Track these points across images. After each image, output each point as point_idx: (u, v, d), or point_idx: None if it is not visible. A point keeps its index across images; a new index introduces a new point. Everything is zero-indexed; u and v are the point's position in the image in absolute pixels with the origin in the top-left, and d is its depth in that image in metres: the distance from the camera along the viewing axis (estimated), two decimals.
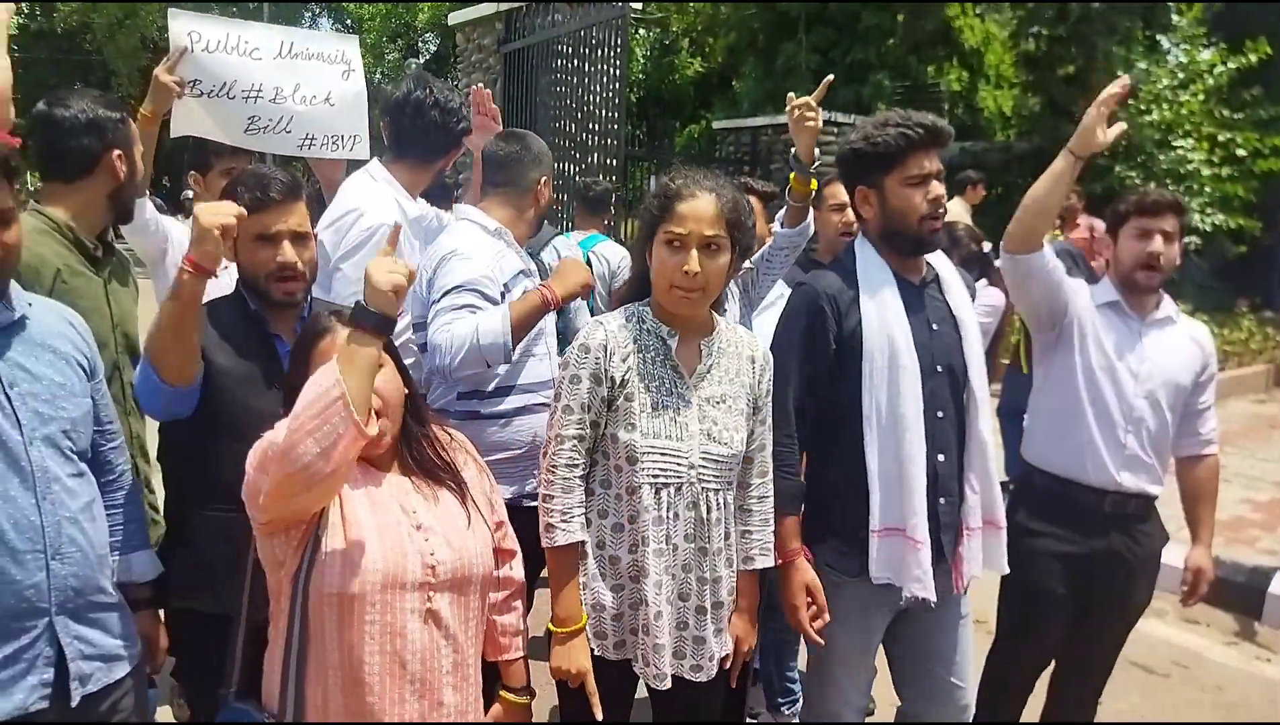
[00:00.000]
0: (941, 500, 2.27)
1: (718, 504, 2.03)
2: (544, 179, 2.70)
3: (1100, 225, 7.39)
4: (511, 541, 2.01)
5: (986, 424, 2.34)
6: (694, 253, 1.94)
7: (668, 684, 1.98)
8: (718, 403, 2.03)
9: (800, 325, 2.28)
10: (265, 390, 2.02)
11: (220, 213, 1.81)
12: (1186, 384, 2.67)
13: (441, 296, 2.41)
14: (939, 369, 2.28)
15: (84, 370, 1.85)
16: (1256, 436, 7.66)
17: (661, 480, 1.96)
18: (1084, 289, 2.71)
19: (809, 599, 2.23)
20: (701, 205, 1.95)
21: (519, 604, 2.02)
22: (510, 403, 2.52)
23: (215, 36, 2.91)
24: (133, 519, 2.00)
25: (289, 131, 3.07)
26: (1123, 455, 2.60)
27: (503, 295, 2.48)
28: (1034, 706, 2.85)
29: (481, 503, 1.90)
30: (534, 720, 2.06)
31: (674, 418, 1.98)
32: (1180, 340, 2.69)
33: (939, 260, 2.42)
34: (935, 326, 2.31)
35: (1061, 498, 2.63)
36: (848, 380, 2.24)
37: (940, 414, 2.27)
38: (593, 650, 2.00)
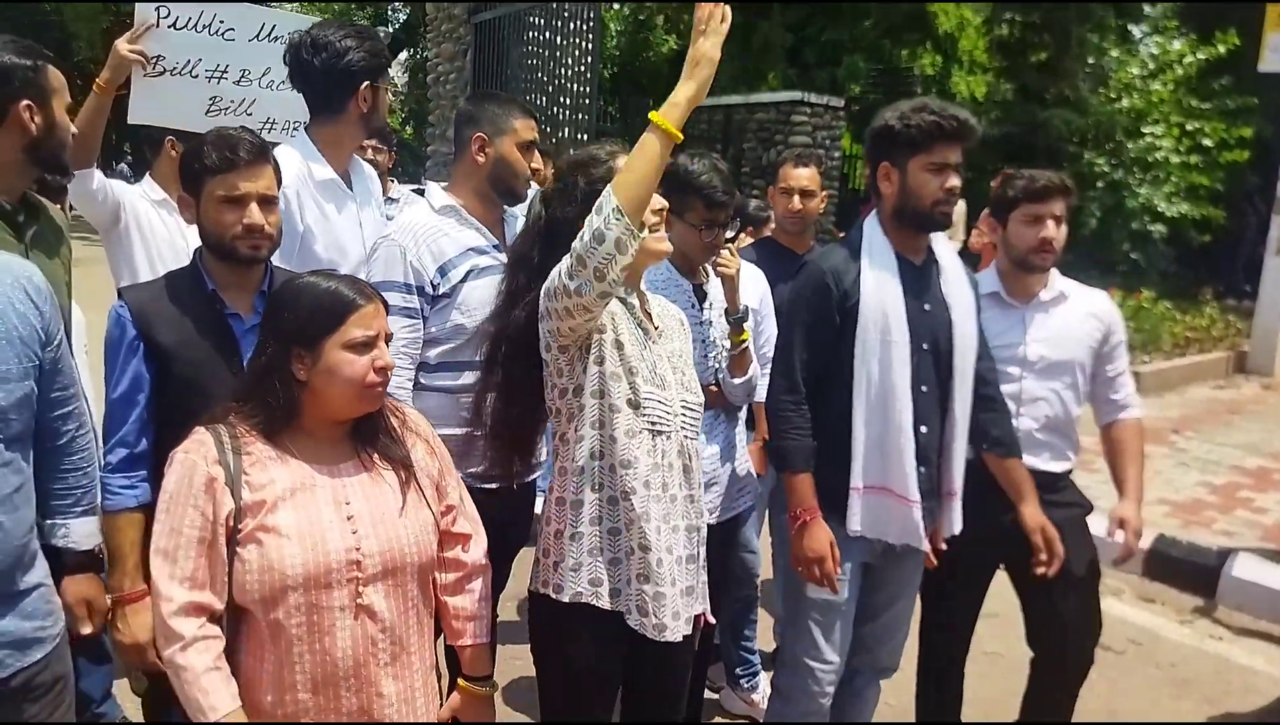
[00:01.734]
0: (921, 468, 2.40)
1: (694, 452, 2.07)
2: (476, 136, 2.50)
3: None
4: (464, 524, 1.95)
5: (965, 401, 2.47)
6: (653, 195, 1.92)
7: (667, 635, 1.93)
8: (679, 356, 2.10)
9: (806, 299, 2.44)
10: (221, 374, 1.98)
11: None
12: (1083, 358, 2.73)
13: None
14: (924, 347, 2.41)
15: (34, 345, 1.75)
16: (1215, 421, 7.79)
17: (658, 427, 1.97)
18: None
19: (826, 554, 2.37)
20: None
21: (476, 586, 1.95)
22: (461, 378, 2.45)
23: (186, 14, 2.86)
24: (78, 485, 1.92)
25: (249, 114, 3.04)
26: (1022, 436, 2.66)
27: (435, 283, 2.40)
28: (1014, 704, 2.89)
29: (427, 486, 1.85)
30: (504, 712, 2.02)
31: (654, 369, 2.00)
32: (1073, 316, 2.75)
33: (940, 244, 2.52)
34: (927, 307, 2.43)
35: (971, 475, 2.61)
36: (842, 350, 2.38)
37: (924, 388, 2.41)
38: (582, 596, 1.94)
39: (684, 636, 2.00)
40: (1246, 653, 4.10)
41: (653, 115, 1.80)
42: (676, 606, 1.95)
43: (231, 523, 1.64)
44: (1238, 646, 4.16)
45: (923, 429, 2.40)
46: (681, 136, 1.81)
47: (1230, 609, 4.48)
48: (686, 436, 2.04)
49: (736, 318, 2.67)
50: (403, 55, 23.74)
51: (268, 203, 2.05)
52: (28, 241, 2.12)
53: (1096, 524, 2.84)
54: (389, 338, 1.78)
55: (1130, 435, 2.80)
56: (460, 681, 1.96)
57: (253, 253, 2.04)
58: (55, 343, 1.82)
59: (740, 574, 3.32)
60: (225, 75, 2.92)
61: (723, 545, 2.79)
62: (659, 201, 1.99)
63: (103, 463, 2.02)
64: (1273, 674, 3.90)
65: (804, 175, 3.48)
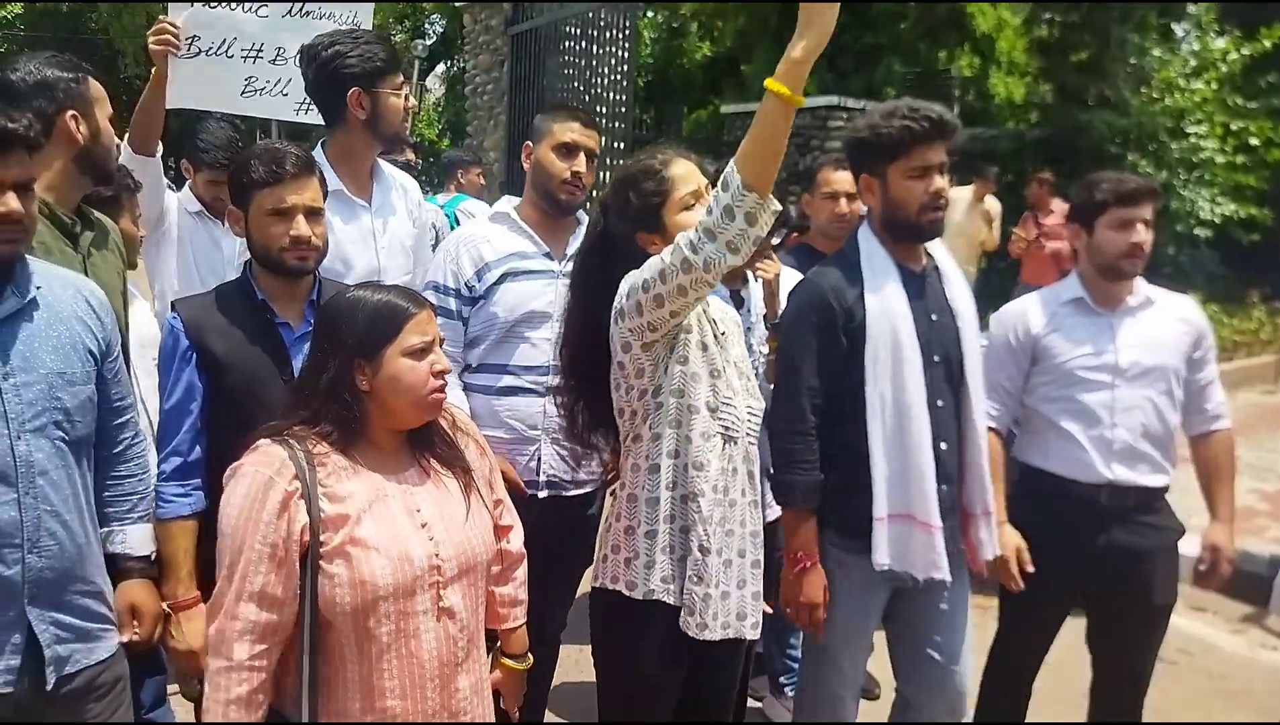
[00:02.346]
0: (943, 487, 2.30)
1: (756, 457, 2.08)
2: (525, 144, 2.59)
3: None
4: (509, 516, 2.02)
5: (982, 414, 2.39)
6: (708, 195, 1.95)
7: (710, 634, 1.96)
8: (742, 360, 2.11)
9: (810, 323, 2.31)
10: (274, 383, 2.02)
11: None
12: (1178, 365, 2.63)
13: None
14: (936, 359, 2.31)
15: (95, 353, 1.83)
16: (1265, 427, 7.62)
17: (730, 432, 1.98)
18: (1032, 306, 2.69)
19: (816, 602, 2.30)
20: (683, 162, 2.04)
21: (519, 574, 2.04)
22: (501, 381, 2.51)
23: None
24: (134, 492, 1.98)
25: (285, 95, 3.00)
26: (1112, 449, 2.57)
27: (470, 286, 2.51)
28: (1036, 707, 2.85)
29: (482, 485, 1.90)
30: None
31: (722, 373, 2.01)
32: (1163, 321, 2.64)
33: (938, 251, 2.44)
34: (934, 317, 2.34)
35: (1057, 495, 2.60)
36: (851, 372, 2.28)
37: (940, 403, 2.31)
38: (654, 593, 1.97)
39: (746, 638, 2.05)
40: None
41: (768, 82, 1.74)
42: (715, 608, 1.97)
43: (308, 538, 1.64)
44: None
45: (942, 446, 2.31)
46: (803, 100, 1.74)
47: None
48: (750, 442, 2.06)
49: (775, 323, 2.66)
50: (440, 67, 23.98)
51: (314, 215, 2.10)
52: (85, 251, 2.18)
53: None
54: (441, 342, 1.81)
55: (1223, 449, 2.71)
56: (503, 660, 2.04)
57: (300, 265, 2.09)
58: (114, 355, 1.90)
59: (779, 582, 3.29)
60: (261, 54, 2.90)
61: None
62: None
63: (157, 471, 2.06)
64: None
65: (846, 178, 3.47)
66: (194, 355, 2.04)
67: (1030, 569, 2.53)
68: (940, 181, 2.28)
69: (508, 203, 2.65)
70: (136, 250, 2.74)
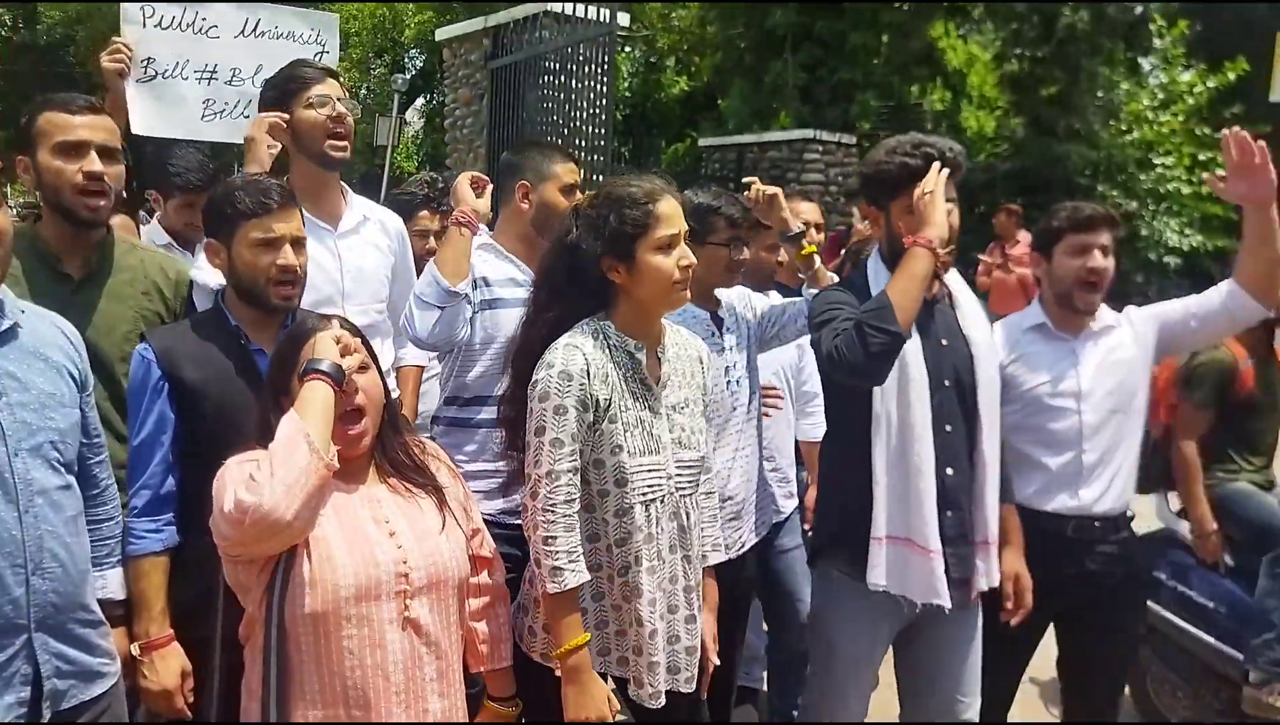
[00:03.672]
0: (948, 513, 2.29)
1: (693, 508, 2.05)
2: (520, 185, 2.56)
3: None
4: (488, 549, 2.00)
5: (994, 442, 2.36)
6: (683, 244, 1.98)
7: (661, 701, 1.95)
8: (681, 408, 2.06)
9: (845, 291, 2.37)
10: (249, 409, 1.99)
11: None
12: (1140, 379, 2.63)
13: None
14: (946, 383, 2.32)
15: (75, 381, 1.82)
16: None
17: (649, 496, 1.95)
18: (996, 335, 2.64)
19: None
20: (671, 201, 2.00)
21: (501, 611, 2.00)
22: (485, 412, 2.47)
23: (170, 12, 2.80)
24: (111, 535, 1.96)
25: (247, 116, 2.88)
26: (1081, 475, 2.58)
27: (476, 285, 2.46)
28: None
29: (456, 509, 1.89)
30: None
31: (650, 431, 1.97)
32: (1123, 340, 2.65)
33: (954, 280, 2.46)
34: (944, 342, 2.34)
35: (1026, 523, 2.57)
36: (859, 393, 2.27)
37: (948, 428, 2.31)
38: (596, 667, 1.96)
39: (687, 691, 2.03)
40: None
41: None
42: (678, 668, 2.00)
43: None
44: None
45: (948, 471, 2.29)
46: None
47: None
48: (683, 495, 2.02)
49: (792, 235, 2.66)
50: (419, 101, 24.11)
51: (299, 245, 2.10)
52: (75, 288, 2.16)
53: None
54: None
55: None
56: (487, 702, 1.99)
57: (284, 303, 2.08)
58: (89, 390, 1.89)
59: (790, 621, 3.23)
60: (215, 76, 2.83)
61: (761, 565, 2.89)
62: (686, 260, 1.98)
63: (128, 507, 2.02)
64: None
65: (810, 208, 3.49)
66: (165, 386, 2.01)
67: (1027, 603, 2.48)
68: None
69: (484, 233, 2.64)
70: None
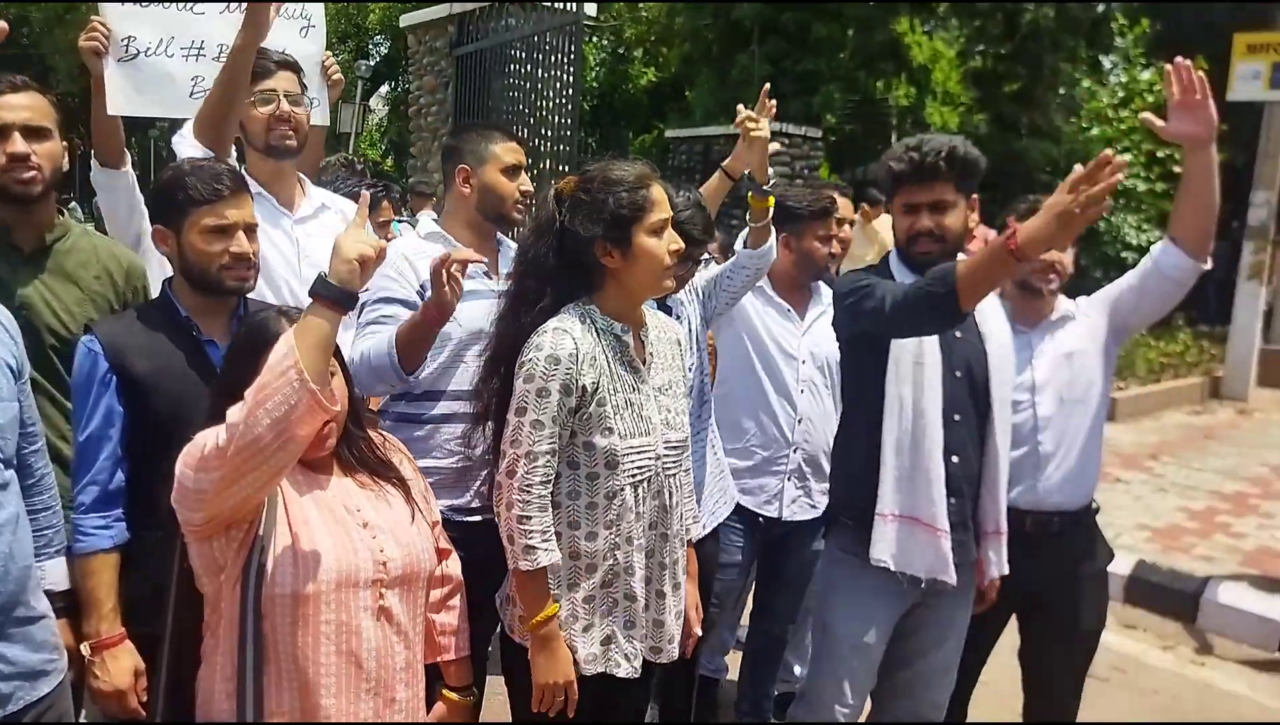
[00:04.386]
0: (952, 499, 2.35)
1: (676, 488, 2.06)
2: (459, 169, 2.49)
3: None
4: (446, 540, 2.00)
5: (1006, 435, 2.42)
6: (670, 229, 2.00)
7: (663, 658, 2.03)
8: (666, 390, 2.08)
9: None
10: (200, 402, 1.94)
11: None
12: (1096, 370, 2.66)
13: (360, 311, 2.37)
14: (958, 374, 2.37)
15: (11, 371, 1.76)
16: (1192, 447, 7.85)
17: (638, 477, 1.97)
18: None
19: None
20: (659, 185, 2.01)
21: (457, 603, 2.00)
22: (438, 408, 2.43)
23: None
24: (50, 525, 1.91)
25: None
26: (1037, 468, 2.61)
27: (420, 292, 2.39)
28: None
29: (420, 501, 1.89)
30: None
31: (640, 413, 1.99)
32: (1079, 331, 2.68)
33: None
34: (959, 334, 2.38)
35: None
36: (875, 373, 2.35)
37: (957, 417, 2.36)
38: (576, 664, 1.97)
39: (670, 660, 2.08)
40: (1228, 678, 4.12)
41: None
42: (644, 639, 2.02)
43: (255, 526, 1.64)
44: (1220, 672, 4.17)
45: (954, 459, 2.35)
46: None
47: (1211, 634, 4.49)
48: (669, 475, 2.04)
49: (760, 186, 2.64)
50: (384, 88, 23.84)
51: (251, 231, 2.06)
52: (25, 260, 2.16)
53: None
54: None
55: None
56: (444, 692, 1.97)
57: (239, 284, 2.04)
58: (25, 377, 1.84)
59: (778, 610, 3.26)
60: (203, 53, 2.73)
61: (777, 550, 3.02)
62: (676, 244, 2.00)
63: (74, 503, 1.97)
64: (1256, 699, 3.91)
65: (841, 204, 3.44)
66: (112, 378, 1.95)
67: (987, 599, 2.54)
68: (924, 220, 2.34)
69: (432, 221, 2.59)
70: None
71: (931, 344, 2.32)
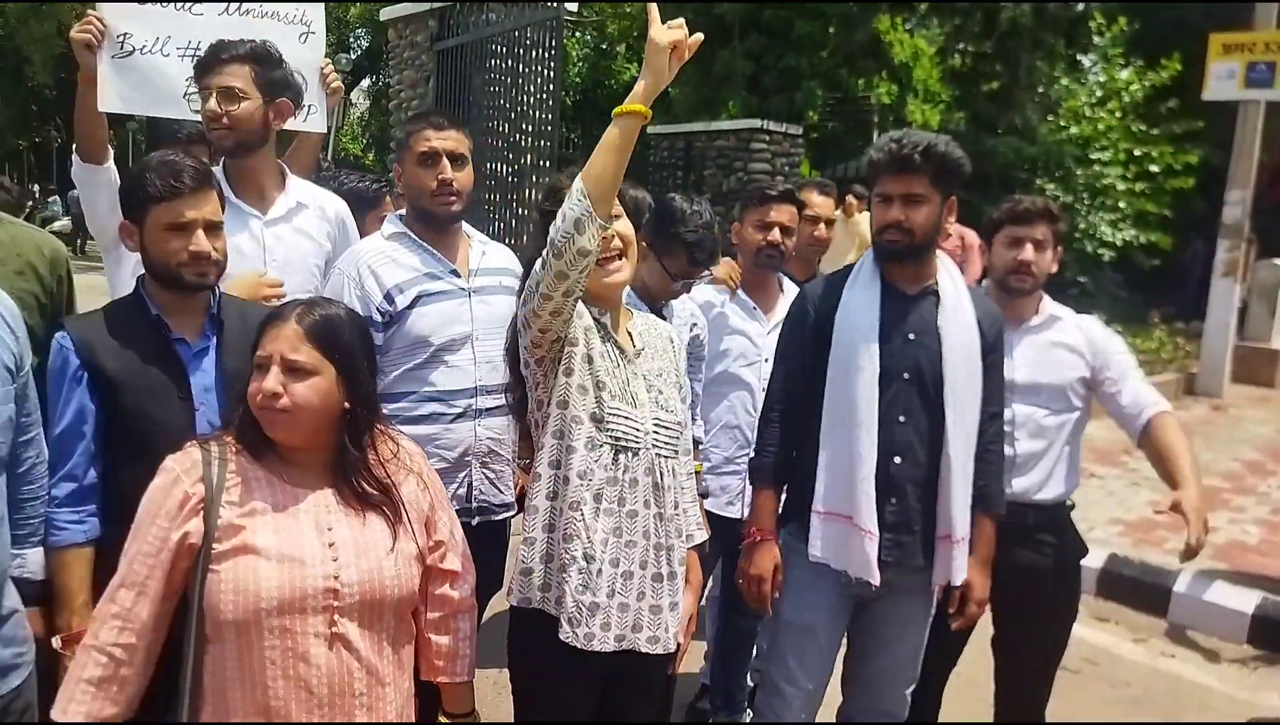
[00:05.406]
0: (892, 500, 2.35)
1: (669, 471, 2.07)
2: (395, 165, 2.49)
3: (971, 235, 7.66)
4: (454, 562, 1.92)
5: (963, 438, 2.34)
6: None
7: (597, 645, 1.94)
8: (658, 375, 2.11)
9: (787, 324, 2.60)
10: (170, 401, 1.96)
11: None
12: (1073, 379, 2.68)
13: None
14: (906, 377, 2.36)
15: (11, 369, 1.75)
16: None
17: (623, 443, 1.98)
18: None
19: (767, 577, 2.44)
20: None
21: (461, 625, 1.94)
22: (424, 407, 2.44)
23: None
24: (35, 514, 1.90)
25: None
26: (1013, 464, 2.62)
27: (382, 309, 2.40)
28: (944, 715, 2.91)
29: (414, 519, 1.82)
30: None
31: (626, 386, 2.02)
32: (1059, 338, 2.71)
33: (947, 277, 2.45)
34: (911, 337, 2.38)
35: None
36: (819, 374, 2.41)
37: (902, 419, 2.35)
38: (531, 602, 1.98)
39: (666, 652, 2.06)
40: (1199, 670, 4.18)
41: (616, 111, 1.85)
42: (608, 618, 1.96)
43: (198, 542, 1.63)
44: (1190, 664, 4.24)
45: (896, 460, 2.34)
46: (649, 113, 1.85)
47: (1183, 627, 4.56)
48: (660, 454, 2.05)
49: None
50: (365, 82, 23.70)
51: (213, 229, 2.04)
52: None
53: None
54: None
55: (1163, 432, 2.58)
56: (441, 718, 1.95)
57: (199, 280, 2.02)
58: (25, 369, 1.82)
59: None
60: (199, 54, 2.67)
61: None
62: (626, 230, 2.01)
63: (49, 497, 1.95)
64: (1226, 692, 3.97)
65: (820, 202, 3.49)
66: (84, 375, 1.94)
67: (968, 614, 2.48)
68: (894, 212, 2.34)
69: (397, 219, 2.57)
70: None
71: (868, 346, 2.33)
